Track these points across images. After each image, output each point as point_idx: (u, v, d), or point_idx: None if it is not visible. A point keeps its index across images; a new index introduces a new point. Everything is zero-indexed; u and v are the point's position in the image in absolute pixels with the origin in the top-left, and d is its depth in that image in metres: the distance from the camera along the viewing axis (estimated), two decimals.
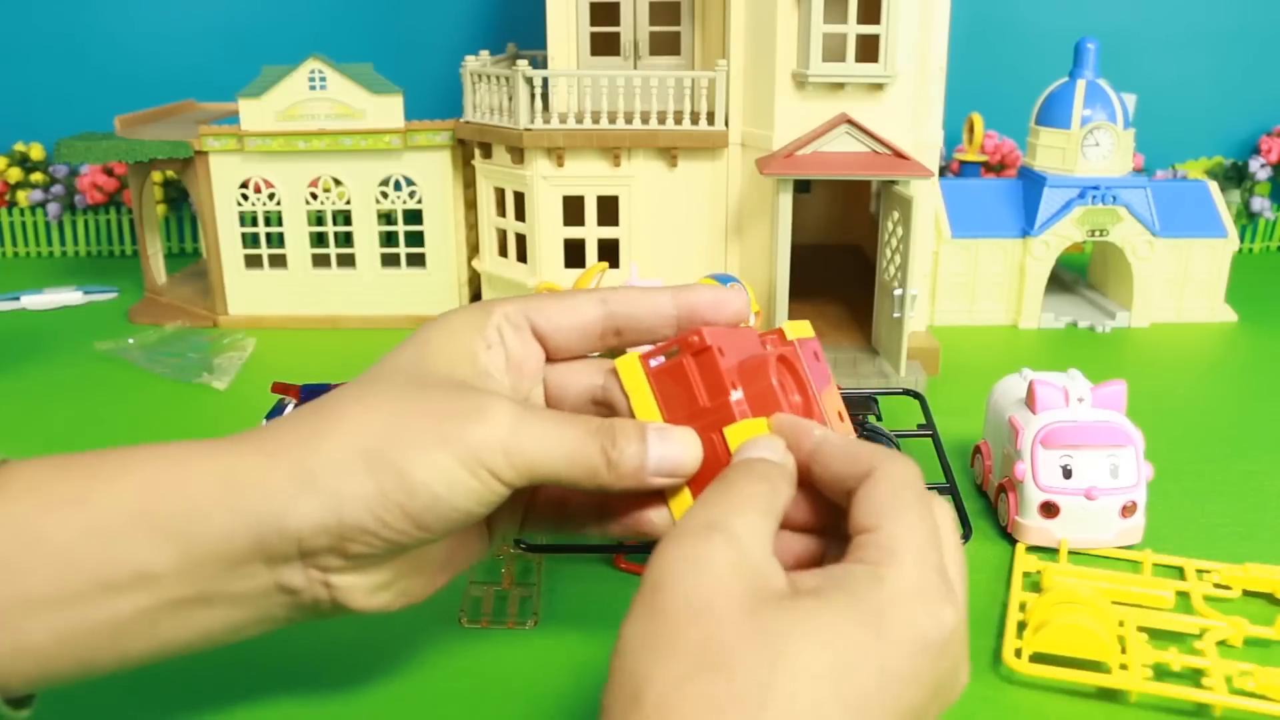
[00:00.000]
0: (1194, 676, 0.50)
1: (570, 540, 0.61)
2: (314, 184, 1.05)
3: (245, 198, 1.06)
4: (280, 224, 1.07)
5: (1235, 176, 1.35)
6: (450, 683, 0.51)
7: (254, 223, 1.08)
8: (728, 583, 0.29)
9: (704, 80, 0.94)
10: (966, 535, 0.61)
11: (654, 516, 0.40)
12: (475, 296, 1.11)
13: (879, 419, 0.70)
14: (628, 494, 0.39)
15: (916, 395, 0.75)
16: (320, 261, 1.09)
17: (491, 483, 0.36)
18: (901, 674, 0.28)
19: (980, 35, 1.31)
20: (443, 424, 0.36)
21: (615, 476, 0.37)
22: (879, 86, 0.88)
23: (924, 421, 0.72)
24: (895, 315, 0.88)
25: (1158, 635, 0.54)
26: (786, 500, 0.35)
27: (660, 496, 0.40)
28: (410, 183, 1.06)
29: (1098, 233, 1.05)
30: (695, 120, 0.94)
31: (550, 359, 0.43)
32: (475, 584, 0.58)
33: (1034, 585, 0.59)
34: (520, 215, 0.99)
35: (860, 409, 0.70)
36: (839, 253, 1.21)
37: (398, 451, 0.36)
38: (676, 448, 0.38)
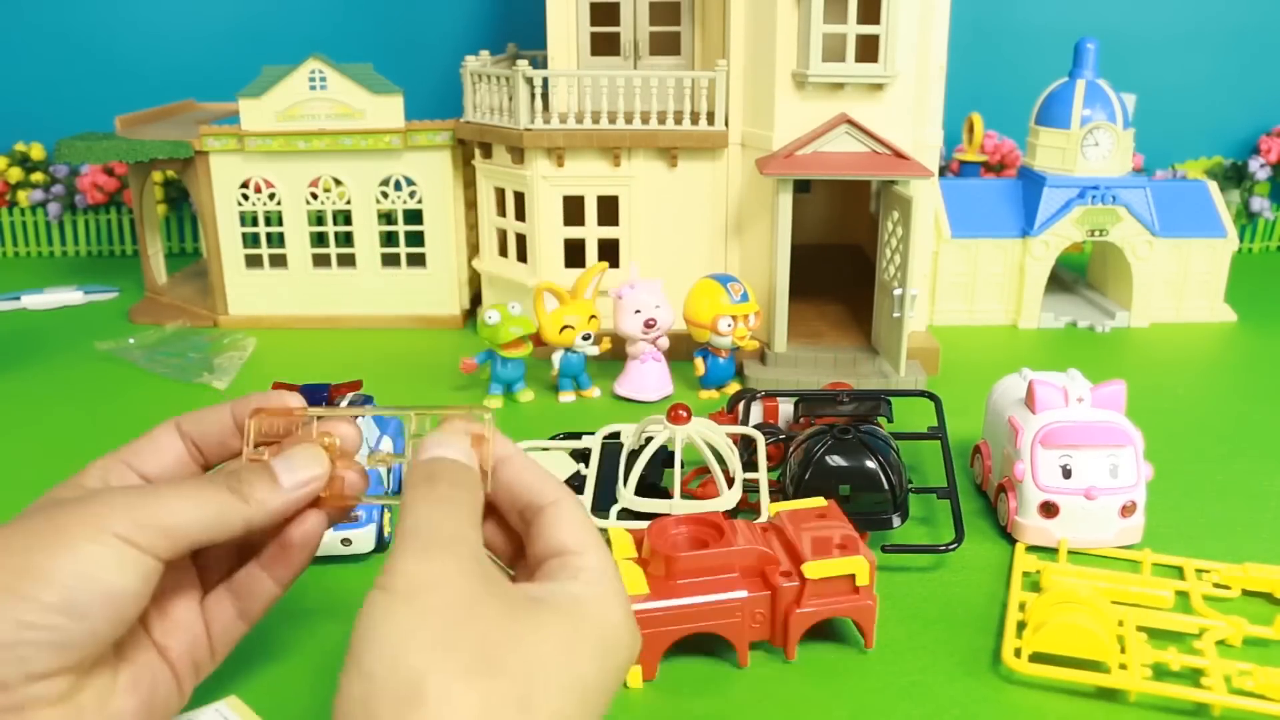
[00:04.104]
0: (1193, 676, 0.50)
1: None
2: (314, 184, 1.05)
3: (245, 198, 1.06)
4: (280, 224, 1.07)
5: (1235, 176, 1.35)
6: None
7: (254, 223, 1.08)
8: (485, 587, 0.33)
9: (704, 80, 0.94)
10: (958, 539, 0.61)
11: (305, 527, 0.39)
12: (475, 296, 1.11)
13: (890, 420, 0.70)
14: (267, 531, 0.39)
15: (932, 397, 0.74)
16: (320, 261, 1.09)
17: None
18: (606, 686, 0.34)
19: (980, 35, 1.31)
20: None
21: (256, 505, 0.37)
22: (879, 86, 0.88)
23: (935, 424, 0.71)
24: (895, 315, 0.88)
25: (1157, 635, 0.54)
26: (481, 504, 0.37)
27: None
28: (410, 183, 1.06)
29: (1097, 233, 1.05)
30: (695, 120, 0.94)
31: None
32: None
33: (1033, 585, 0.59)
34: (520, 215, 0.99)
35: (872, 409, 0.70)
36: (839, 253, 1.21)
37: None
38: (303, 462, 0.38)
